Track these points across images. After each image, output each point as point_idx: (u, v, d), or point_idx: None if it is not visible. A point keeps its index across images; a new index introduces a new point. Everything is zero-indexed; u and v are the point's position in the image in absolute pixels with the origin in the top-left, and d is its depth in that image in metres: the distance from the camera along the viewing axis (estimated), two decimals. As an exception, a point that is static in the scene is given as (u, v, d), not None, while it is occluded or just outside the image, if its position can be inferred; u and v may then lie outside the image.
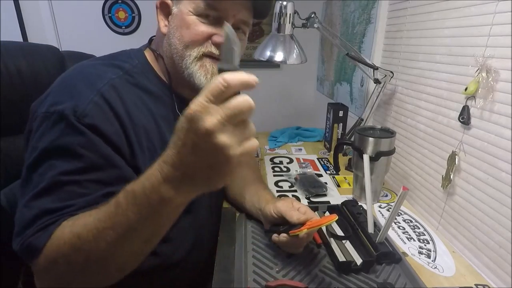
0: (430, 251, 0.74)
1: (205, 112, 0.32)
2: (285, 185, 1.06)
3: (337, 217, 0.62)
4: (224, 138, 0.33)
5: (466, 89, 0.71)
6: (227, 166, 0.35)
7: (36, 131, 0.51)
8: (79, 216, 0.45)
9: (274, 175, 1.13)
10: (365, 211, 0.78)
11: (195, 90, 0.63)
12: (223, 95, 0.32)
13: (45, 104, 0.51)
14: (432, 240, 0.79)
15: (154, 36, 0.69)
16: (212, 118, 0.32)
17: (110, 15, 1.95)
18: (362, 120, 1.17)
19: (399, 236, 0.80)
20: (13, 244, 0.46)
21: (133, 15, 1.97)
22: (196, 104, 0.32)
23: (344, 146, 1.22)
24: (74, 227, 0.43)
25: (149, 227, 0.41)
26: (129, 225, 0.40)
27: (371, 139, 0.88)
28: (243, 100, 0.33)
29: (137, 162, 0.56)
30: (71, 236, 0.42)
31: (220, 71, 0.34)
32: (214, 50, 0.60)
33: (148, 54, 0.66)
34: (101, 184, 0.50)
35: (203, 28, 0.59)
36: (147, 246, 0.45)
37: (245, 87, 0.33)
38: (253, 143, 0.36)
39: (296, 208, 0.69)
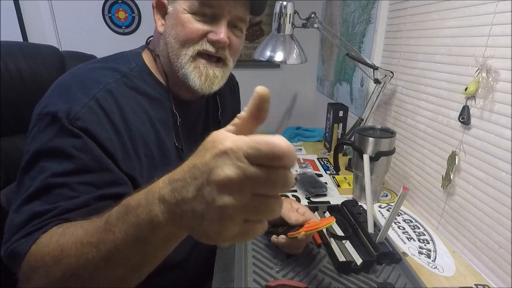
0: (430, 251, 0.74)
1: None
2: (285, 185, 1.06)
3: (334, 220, 0.62)
4: (231, 210, 0.27)
5: (466, 89, 0.71)
6: (219, 233, 0.28)
7: (29, 133, 0.50)
8: (72, 224, 0.42)
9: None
10: (365, 211, 0.78)
11: (191, 91, 0.63)
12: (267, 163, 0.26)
13: (39, 106, 0.51)
14: (432, 240, 0.79)
15: (152, 36, 0.68)
16: (234, 197, 0.26)
17: (110, 15, 1.95)
18: (362, 120, 1.17)
19: (399, 236, 0.80)
20: (1, 251, 0.44)
21: (133, 15, 1.97)
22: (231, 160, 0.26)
23: (344, 146, 1.22)
24: (62, 236, 0.40)
25: (135, 253, 0.36)
26: (113, 245, 0.35)
27: (371, 139, 0.88)
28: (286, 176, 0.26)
29: (132, 169, 0.55)
30: (56, 246, 0.39)
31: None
32: (209, 48, 0.59)
33: (146, 56, 0.65)
34: (93, 187, 0.49)
35: (198, 26, 0.58)
36: (134, 274, 0.38)
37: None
38: (258, 228, 0.30)
39: (295, 209, 0.69)
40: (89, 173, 0.49)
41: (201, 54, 0.60)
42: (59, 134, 0.48)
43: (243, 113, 0.29)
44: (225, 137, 0.27)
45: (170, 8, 0.60)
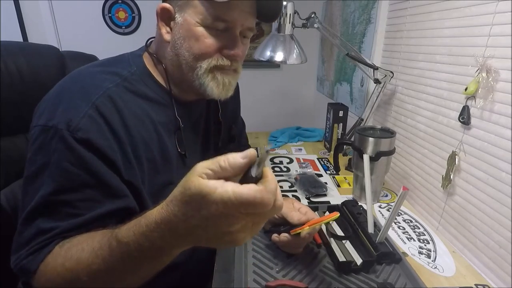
0: (430, 251, 0.74)
1: (238, 224, 0.34)
2: (285, 185, 1.06)
3: (338, 214, 0.62)
4: (243, 236, 0.36)
5: (466, 89, 0.71)
6: (236, 243, 0.37)
7: (33, 143, 0.51)
8: (72, 244, 0.46)
9: (274, 175, 1.13)
10: (365, 211, 0.78)
11: (200, 95, 0.64)
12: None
13: (42, 117, 0.52)
14: (432, 240, 0.79)
15: (152, 38, 0.68)
16: (243, 234, 0.36)
17: (110, 15, 1.95)
18: (362, 120, 1.17)
19: (399, 236, 0.80)
20: (11, 261, 0.48)
21: (133, 15, 1.97)
22: (235, 216, 0.33)
23: (344, 146, 1.22)
24: (67, 261, 0.44)
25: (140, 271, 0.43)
26: (124, 268, 0.41)
27: (371, 139, 0.88)
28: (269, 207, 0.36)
29: (133, 176, 0.56)
30: (65, 271, 0.44)
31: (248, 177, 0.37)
32: (225, 63, 0.60)
33: (147, 59, 0.65)
34: (93, 202, 0.51)
35: (213, 41, 0.58)
36: (142, 280, 0.46)
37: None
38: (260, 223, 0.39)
39: (296, 209, 0.69)
40: (89, 189, 0.51)
41: (216, 67, 0.61)
42: (60, 148, 0.49)
43: (226, 166, 0.34)
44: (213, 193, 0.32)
45: (178, 18, 0.59)
